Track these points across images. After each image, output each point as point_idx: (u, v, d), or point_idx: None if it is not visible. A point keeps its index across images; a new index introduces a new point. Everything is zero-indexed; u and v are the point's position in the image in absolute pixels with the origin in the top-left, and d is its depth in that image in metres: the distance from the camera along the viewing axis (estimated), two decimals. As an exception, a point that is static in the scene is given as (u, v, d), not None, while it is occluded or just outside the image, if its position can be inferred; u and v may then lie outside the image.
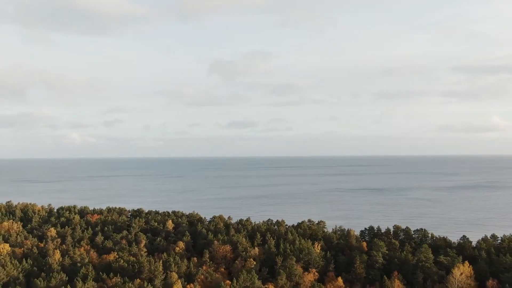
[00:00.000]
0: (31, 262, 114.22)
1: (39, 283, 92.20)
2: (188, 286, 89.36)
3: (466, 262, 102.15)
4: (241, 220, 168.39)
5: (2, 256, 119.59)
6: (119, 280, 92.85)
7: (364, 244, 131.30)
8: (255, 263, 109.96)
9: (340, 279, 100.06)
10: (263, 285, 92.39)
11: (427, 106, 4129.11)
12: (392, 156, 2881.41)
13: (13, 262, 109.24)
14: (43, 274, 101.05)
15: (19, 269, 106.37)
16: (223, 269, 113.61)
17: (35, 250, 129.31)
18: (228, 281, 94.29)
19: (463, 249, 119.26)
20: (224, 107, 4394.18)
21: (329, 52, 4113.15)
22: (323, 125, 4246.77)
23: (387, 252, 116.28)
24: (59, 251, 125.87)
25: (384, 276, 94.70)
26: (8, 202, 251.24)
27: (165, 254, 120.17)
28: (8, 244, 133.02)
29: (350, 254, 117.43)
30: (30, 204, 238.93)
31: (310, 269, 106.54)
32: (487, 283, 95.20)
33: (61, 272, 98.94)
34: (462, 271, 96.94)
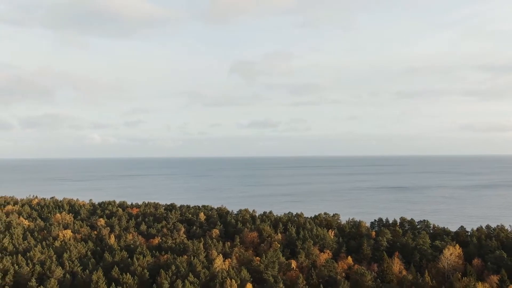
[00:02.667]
0: (93, 244, 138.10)
1: (107, 257, 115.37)
2: (226, 260, 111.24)
3: (457, 245, 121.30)
4: (264, 213, 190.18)
5: (67, 240, 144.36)
6: (170, 256, 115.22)
7: (373, 233, 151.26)
8: (279, 245, 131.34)
9: (350, 258, 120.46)
10: (286, 261, 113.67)
11: (448, 105, 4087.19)
12: (412, 156, 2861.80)
13: (80, 243, 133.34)
14: (106, 252, 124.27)
15: (86, 248, 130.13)
16: (251, 251, 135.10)
17: (93, 234, 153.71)
18: (257, 257, 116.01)
19: (458, 236, 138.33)
20: (244, 107, 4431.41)
21: (350, 52, 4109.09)
22: (342, 125, 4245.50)
23: (391, 238, 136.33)
24: (113, 236, 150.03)
25: (385, 254, 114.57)
26: (52, 197, 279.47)
27: (202, 239, 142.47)
28: (70, 230, 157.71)
29: (360, 240, 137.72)
30: (72, 199, 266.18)
31: (325, 251, 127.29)
32: (473, 262, 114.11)
33: (123, 250, 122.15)
34: (452, 252, 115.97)
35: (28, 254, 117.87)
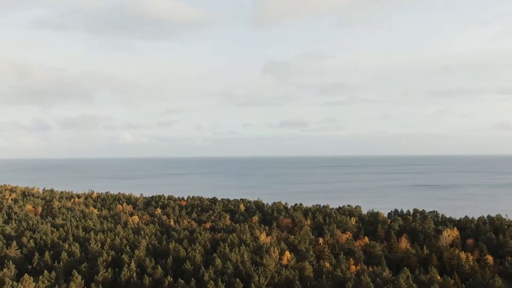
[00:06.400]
0: (158, 226, 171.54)
1: (174, 234, 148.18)
2: (268, 237, 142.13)
3: (455, 228, 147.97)
4: (295, 204, 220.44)
5: (136, 224, 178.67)
6: (223, 234, 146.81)
7: (389, 221, 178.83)
8: (309, 228, 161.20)
9: (366, 238, 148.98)
10: (315, 238, 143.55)
11: (483, 104, 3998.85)
12: (446, 156, 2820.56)
13: (149, 225, 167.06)
14: (171, 231, 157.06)
15: (154, 229, 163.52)
16: (285, 233, 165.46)
17: (155, 220, 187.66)
18: (292, 236, 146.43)
19: (460, 223, 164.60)
20: (276, 107, 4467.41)
21: (384, 51, 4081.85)
22: (374, 124, 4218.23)
23: (402, 223, 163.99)
24: (172, 221, 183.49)
25: (393, 232, 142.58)
26: (107, 192, 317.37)
27: (246, 223, 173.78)
28: (137, 216, 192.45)
29: (376, 225, 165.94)
30: (125, 194, 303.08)
31: (346, 232, 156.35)
32: (467, 242, 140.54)
33: (185, 230, 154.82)
34: (450, 234, 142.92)
35: (113, 232, 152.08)
